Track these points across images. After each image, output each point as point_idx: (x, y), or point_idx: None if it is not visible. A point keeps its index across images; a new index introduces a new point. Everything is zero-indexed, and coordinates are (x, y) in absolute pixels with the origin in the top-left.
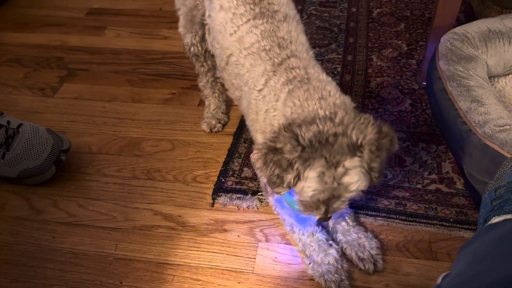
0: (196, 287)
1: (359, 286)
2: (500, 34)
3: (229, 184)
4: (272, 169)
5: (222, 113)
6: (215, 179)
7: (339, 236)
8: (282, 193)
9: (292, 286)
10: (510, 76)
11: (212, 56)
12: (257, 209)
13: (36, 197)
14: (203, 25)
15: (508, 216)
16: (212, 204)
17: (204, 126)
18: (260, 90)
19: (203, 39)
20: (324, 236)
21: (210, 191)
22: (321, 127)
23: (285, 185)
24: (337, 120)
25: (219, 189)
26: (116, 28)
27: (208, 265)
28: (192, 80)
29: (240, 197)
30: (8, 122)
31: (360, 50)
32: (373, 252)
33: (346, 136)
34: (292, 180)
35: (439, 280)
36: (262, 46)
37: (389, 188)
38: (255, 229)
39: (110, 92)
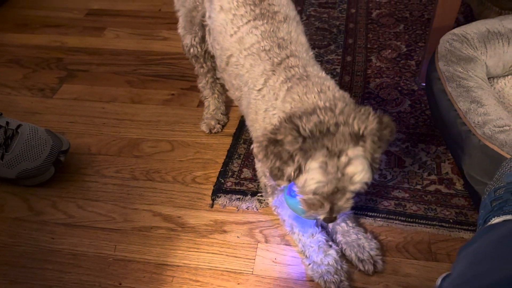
0: None
1: (358, 287)
2: (499, 35)
3: (228, 185)
4: (273, 161)
5: (221, 114)
6: (215, 180)
7: (339, 237)
8: (282, 185)
9: (291, 287)
10: (509, 77)
11: (212, 57)
12: (257, 210)
13: (35, 198)
14: (202, 26)
15: (508, 217)
16: (212, 205)
17: (204, 127)
18: (259, 90)
19: (202, 40)
20: (324, 237)
21: (210, 192)
22: (321, 117)
23: (285, 178)
24: (337, 111)
25: (219, 190)
26: (116, 29)
27: (208, 266)
28: (191, 81)
29: (239, 198)
30: (7, 122)
31: (359, 51)
32: (372, 253)
33: (348, 125)
34: (293, 173)
35: (439, 281)
36: (262, 46)
37: (389, 189)
38: (255, 230)
39: (109, 93)
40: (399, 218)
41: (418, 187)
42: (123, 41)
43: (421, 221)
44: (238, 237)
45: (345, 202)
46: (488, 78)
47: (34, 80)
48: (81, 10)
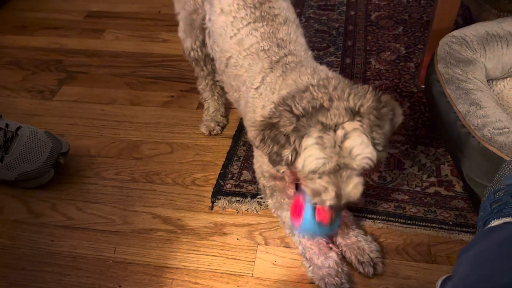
0: None
1: None
2: (498, 37)
3: (228, 187)
4: (271, 146)
5: (221, 115)
6: (214, 182)
7: (339, 239)
8: (282, 171)
9: None
10: (508, 79)
11: (212, 60)
12: (256, 212)
13: (34, 200)
14: (203, 29)
15: (508, 219)
16: (211, 207)
17: (203, 129)
18: (257, 88)
19: (203, 43)
20: (324, 239)
21: (209, 194)
22: (315, 94)
23: (283, 162)
24: (331, 87)
25: (218, 192)
26: (115, 31)
27: (207, 268)
28: (191, 83)
29: (239, 200)
30: (7, 125)
31: (359, 53)
32: (372, 255)
33: (343, 100)
34: (290, 156)
35: (439, 283)
36: (261, 46)
37: (388, 191)
38: (255, 232)
39: (109, 95)
40: (399, 220)
41: (418, 189)
42: (123, 43)
43: (421, 223)
44: (238, 239)
45: (353, 187)
46: (487, 80)
47: (33, 82)
48: (80, 12)
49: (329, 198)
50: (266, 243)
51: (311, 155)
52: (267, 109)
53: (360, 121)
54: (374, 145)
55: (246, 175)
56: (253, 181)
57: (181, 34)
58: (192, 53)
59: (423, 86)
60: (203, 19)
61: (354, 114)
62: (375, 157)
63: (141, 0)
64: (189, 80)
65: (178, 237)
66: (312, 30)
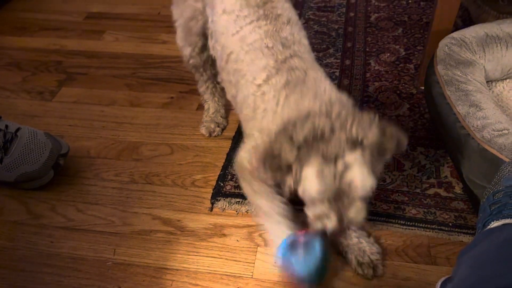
0: None
1: None
2: (498, 39)
3: (228, 188)
4: (274, 175)
5: (221, 117)
6: (214, 183)
7: (341, 239)
8: (285, 197)
9: None
10: (508, 80)
11: (211, 65)
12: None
13: (34, 201)
14: (202, 35)
15: (507, 221)
16: (211, 209)
17: (203, 130)
18: (259, 85)
19: (202, 50)
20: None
21: (209, 196)
22: (316, 122)
23: (286, 189)
24: (333, 115)
25: (218, 193)
26: (115, 32)
27: (207, 270)
28: (190, 84)
29: (239, 201)
30: (6, 126)
31: (358, 55)
32: (373, 257)
33: (345, 131)
34: (292, 184)
35: (438, 285)
36: (265, 43)
37: (388, 192)
38: (254, 233)
39: (108, 96)
40: (399, 221)
41: (417, 190)
42: (122, 44)
43: (421, 225)
44: (237, 240)
45: (356, 213)
46: (487, 82)
47: (33, 83)
48: (80, 13)
49: (330, 223)
50: (266, 245)
51: (311, 185)
52: (269, 116)
53: (361, 152)
54: (374, 172)
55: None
56: None
57: (179, 42)
58: (191, 60)
59: (423, 88)
60: (203, 25)
61: (355, 145)
62: (375, 186)
63: (141, 2)
64: (189, 81)
65: (177, 238)
66: (311, 32)
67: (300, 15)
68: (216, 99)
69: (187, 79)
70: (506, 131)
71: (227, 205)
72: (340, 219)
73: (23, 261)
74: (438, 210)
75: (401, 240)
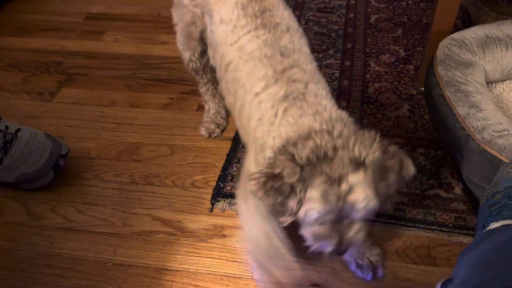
0: None
1: None
2: (498, 40)
3: (228, 189)
4: (275, 197)
5: (221, 118)
6: (214, 184)
7: None
8: (287, 223)
9: None
10: (508, 81)
11: (211, 69)
12: None
13: (34, 202)
14: (202, 41)
15: (506, 222)
16: (211, 209)
17: (203, 131)
18: (256, 94)
19: (201, 55)
20: None
21: (209, 196)
22: (318, 141)
23: (288, 213)
24: (335, 133)
25: (218, 194)
26: (115, 33)
27: (207, 271)
28: (190, 85)
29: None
30: (6, 127)
31: (358, 56)
32: (372, 259)
33: (347, 149)
34: (295, 206)
35: (438, 286)
36: (264, 53)
37: None
38: None
39: (108, 97)
40: (399, 222)
41: (418, 191)
42: (122, 45)
43: (421, 226)
44: (237, 241)
45: (355, 233)
46: (487, 83)
47: (33, 84)
48: (80, 14)
49: (331, 244)
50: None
51: (314, 207)
52: (265, 128)
53: (364, 172)
54: (377, 193)
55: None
56: None
57: (179, 45)
58: (191, 64)
59: (423, 89)
60: (203, 31)
61: (358, 165)
62: (377, 208)
63: (140, 2)
64: (189, 82)
65: (177, 239)
66: (311, 33)
67: (300, 16)
68: (216, 100)
69: (187, 79)
70: (506, 132)
71: (227, 206)
72: (340, 240)
73: (23, 262)
74: (438, 211)
75: (401, 241)
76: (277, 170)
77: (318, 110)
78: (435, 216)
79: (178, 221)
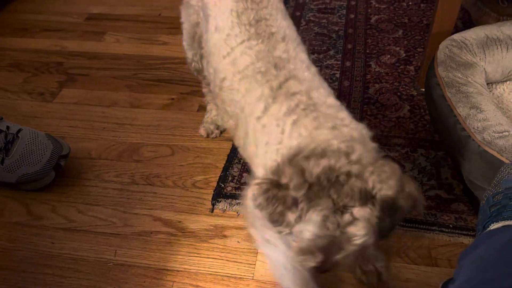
0: None
1: None
2: (498, 41)
3: (228, 189)
4: (275, 206)
5: (222, 119)
6: (215, 184)
7: None
8: (283, 234)
9: None
10: (508, 82)
11: None
12: None
13: (35, 202)
14: (201, 43)
15: (507, 222)
16: (212, 210)
17: (202, 131)
18: (258, 118)
19: (202, 57)
20: None
21: (210, 197)
22: (333, 162)
23: (285, 224)
24: (353, 157)
25: (219, 194)
26: (116, 34)
27: (208, 271)
28: (191, 85)
29: (239, 202)
30: (8, 127)
31: (359, 56)
32: (378, 264)
33: (361, 179)
34: (293, 221)
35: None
36: (257, 68)
37: None
38: None
39: (109, 97)
40: (399, 223)
41: None
42: (123, 46)
43: (421, 226)
44: (238, 242)
45: (344, 258)
46: (487, 84)
47: (34, 84)
48: (81, 14)
49: (314, 261)
50: None
51: (311, 230)
52: (273, 147)
53: (371, 208)
54: (379, 231)
55: (246, 177)
56: None
57: (184, 43)
58: (193, 64)
59: (423, 89)
60: (202, 36)
61: (368, 199)
62: (372, 243)
63: (141, 3)
64: (190, 82)
65: (178, 239)
66: (312, 33)
67: (300, 17)
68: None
69: (188, 80)
70: (507, 133)
71: (228, 206)
72: (326, 259)
73: (24, 262)
74: (438, 211)
75: (402, 242)
76: (283, 180)
77: (336, 125)
78: (435, 216)
79: (179, 222)
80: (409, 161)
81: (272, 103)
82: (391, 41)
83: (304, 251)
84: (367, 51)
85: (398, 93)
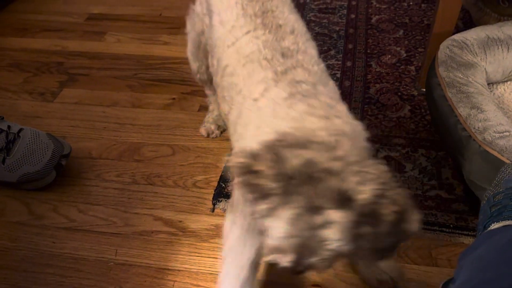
0: None
1: None
2: (499, 41)
3: (229, 189)
4: (248, 191)
5: (223, 120)
6: (216, 184)
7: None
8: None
9: None
10: (509, 82)
11: None
12: None
13: (36, 202)
14: (207, 52)
15: (507, 222)
16: (213, 210)
17: (202, 130)
18: (255, 100)
19: (208, 68)
20: None
21: (211, 196)
22: (313, 155)
23: (256, 214)
24: (338, 153)
25: (220, 194)
26: (116, 34)
27: (209, 270)
28: (192, 85)
29: None
30: (9, 127)
31: (359, 56)
32: (393, 274)
33: (341, 178)
34: (265, 212)
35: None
36: (263, 55)
37: None
38: None
39: (110, 97)
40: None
41: (419, 192)
42: (124, 46)
43: (422, 226)
44: None
45: (320, 261)
46: (488, 84)
47: (34, 84)
48: (81, 14)
49: (285, 261)
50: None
51: (279, 227)
52: (261, 131)
53: (347, 212)
54: (358, 239)
55: None
56: None
57: (189, 55)
58: (198, 75)
59: (424, 89)
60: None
61: (344, 201)
62: (347, 252)
63: (142, 3)
64: (191, 82)
65: (179, 239)
66: (312, 33)
67: (301, 17)
68: None
69: (189, 80)
70: (508, 133)
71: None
72: (299, 260)
73: (25, 262)
74: (439, 211)
75: None
76: (258, 166)
77: (330, 115)
78: (436, 216)
79: (180, 221)
80: (410, 161)
81: (273, 86)
82: (392, 41)
83: (274, 249)
84: (368, 51)
85: (399, 93)
